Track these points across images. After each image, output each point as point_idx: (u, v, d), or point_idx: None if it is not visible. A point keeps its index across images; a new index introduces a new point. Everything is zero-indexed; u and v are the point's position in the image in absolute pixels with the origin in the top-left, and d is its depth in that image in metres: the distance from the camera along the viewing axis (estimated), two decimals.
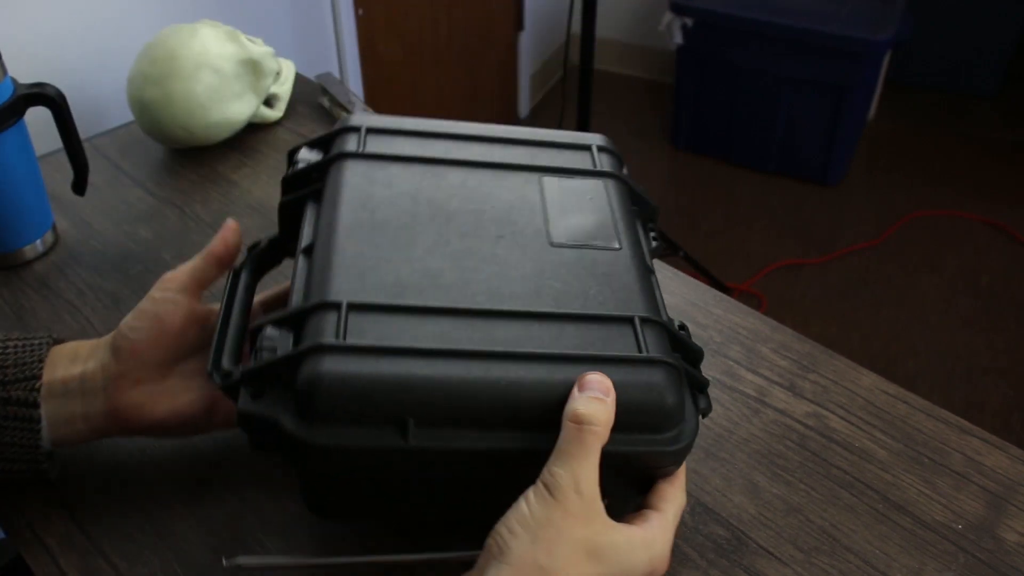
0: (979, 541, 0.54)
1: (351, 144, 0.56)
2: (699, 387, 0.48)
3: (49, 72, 1.00)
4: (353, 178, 0.53)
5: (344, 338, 0.43)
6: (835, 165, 2.31)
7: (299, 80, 1.05)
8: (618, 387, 0.43)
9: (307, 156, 0.57)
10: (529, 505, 0.40)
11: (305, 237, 0.51)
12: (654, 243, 0.57)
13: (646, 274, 0.51)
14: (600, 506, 0.41)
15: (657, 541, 0.43)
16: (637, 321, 0.47)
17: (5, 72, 0.71)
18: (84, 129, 0.82)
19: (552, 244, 0.51)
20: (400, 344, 0.43)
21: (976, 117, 2.61)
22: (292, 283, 0.49)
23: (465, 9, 2.12)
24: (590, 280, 0.49)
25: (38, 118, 0.75)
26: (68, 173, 0.78)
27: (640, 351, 0.46)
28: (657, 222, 0.60)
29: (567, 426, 0.41)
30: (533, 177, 0.56)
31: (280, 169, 0.90)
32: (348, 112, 0.94)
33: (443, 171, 0.55)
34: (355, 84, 1.68)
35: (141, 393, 0.51)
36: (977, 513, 0.55)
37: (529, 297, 0.47)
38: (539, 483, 0.41)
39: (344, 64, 1.60)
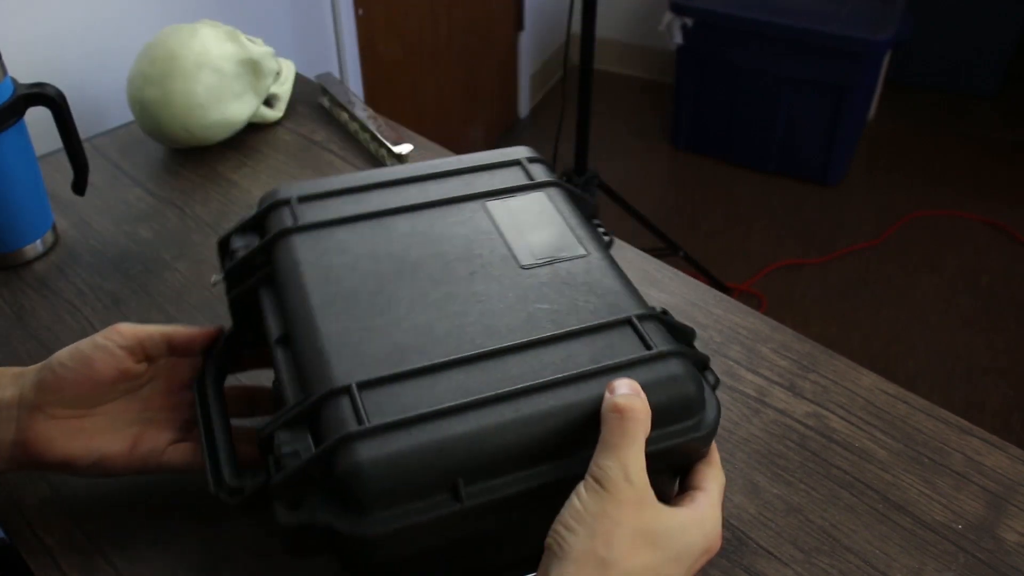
0: (979, 541, 0.54)
1: (287, 219, 0.54)
2: (702, 365, 0.49)
3: (49, 72, 1.00)
4: (305, 253, 0.51)
5: (368, 420, 0.41)
6: (835, 165, 2.31)
7: (299, 80, 1.05)
8: (644, 388, 0.44)
9: (242, 242, 0.54)
10: (582, 500, 0.40)
11: (274, 328, 0.49)
12: (606, 238, 0.57)
13: (620, 271, 0.52)
14: (651, 493, 0.41)
15: (708, 519, 0.44)
16: (635, 320, 0.48)
17: (5, 72, 0.71)
18: (84, 129, 0.82)
19: (523, 267, 0.51)
20: (425, 409, 0.42)
21: (976, 117, 2.61)
22: (278, 378, 0.46)
23: (465, 9, 2.12)
24: (574, 292, 0.50)
25: (38, 118, 0.75)
26: (68, 173, 0.78)
27: (649, 348, 0.46)
28: (598, 216, 0.60)
29: (609, 418, 0.42)
30: (477, 205, 0.56)
31: (280, 169, 0.90)
32: (348, 112, 0.94)
33: (389, 222, 0.54)
34: (355, 84, 1.68)
35: (54, 427, 0.50)
36: (977, 513, 0.55)
37: (525, 326, 0.47)
38: (589, 477, 0.41)
39: (344, 64, 1.60)
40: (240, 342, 0.55)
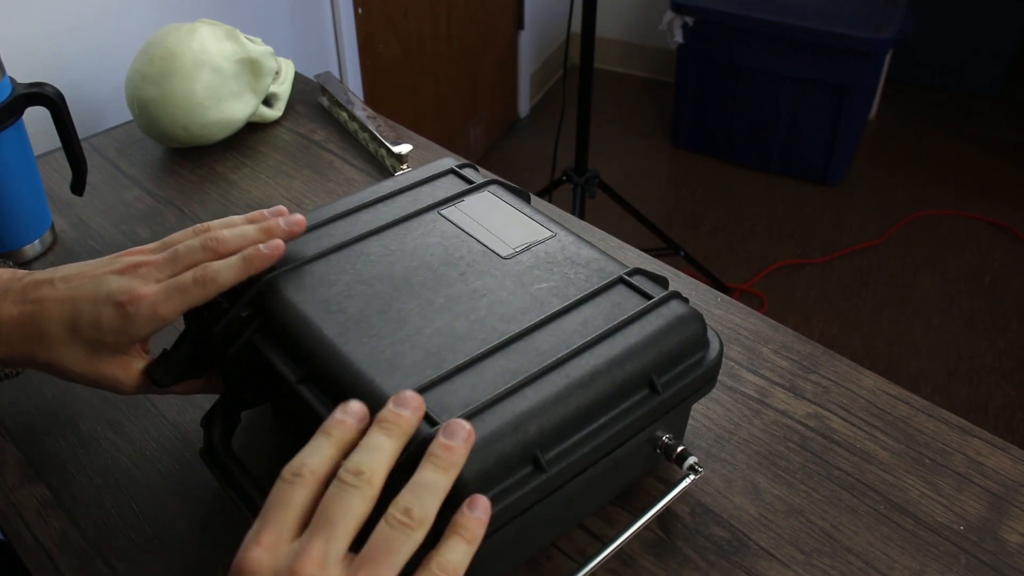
0: (981, 542, 0.53)
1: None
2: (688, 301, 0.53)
3: (47, 71, 1.00)
4: (295, 294, 0.51)
5: (439, 420, 0.43)
6: (836, 164, 2.31)
7: (298, 79, 1.04)
8: (660, 332, 0.49)
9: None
10: None
11: (291, 370, 0.48)
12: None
13: (589, 243, 0.56)
14: None
15: None
16: (626, 277, 0.52)
17: (4, 72, 0.71)
18: (82, 129, 0.82)
19: (505, 258, 0.54)
20: (489, 396, 0.44)
21: (978, 116, 2.61)
22: (312, 414, 0.46)
23: (465, 8, 2.12)
24: (562, 268, 0.53)
25: (37, 118, 0.75)
26: (67, 173, 0.78)
27: (649, 298, 0.51)
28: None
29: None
30: (433, 215, 0.58)
31: (279, 169, 0.90)
32: (347, 111, 0.94)
33: (361, 248, 0.55)
34: (354, 83, 1.67)
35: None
36: (979, 514, 0.55)
37: (534, 306, 0.50)
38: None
39: (343, 63, 1.59)
40: (237, 404, 0.55)
